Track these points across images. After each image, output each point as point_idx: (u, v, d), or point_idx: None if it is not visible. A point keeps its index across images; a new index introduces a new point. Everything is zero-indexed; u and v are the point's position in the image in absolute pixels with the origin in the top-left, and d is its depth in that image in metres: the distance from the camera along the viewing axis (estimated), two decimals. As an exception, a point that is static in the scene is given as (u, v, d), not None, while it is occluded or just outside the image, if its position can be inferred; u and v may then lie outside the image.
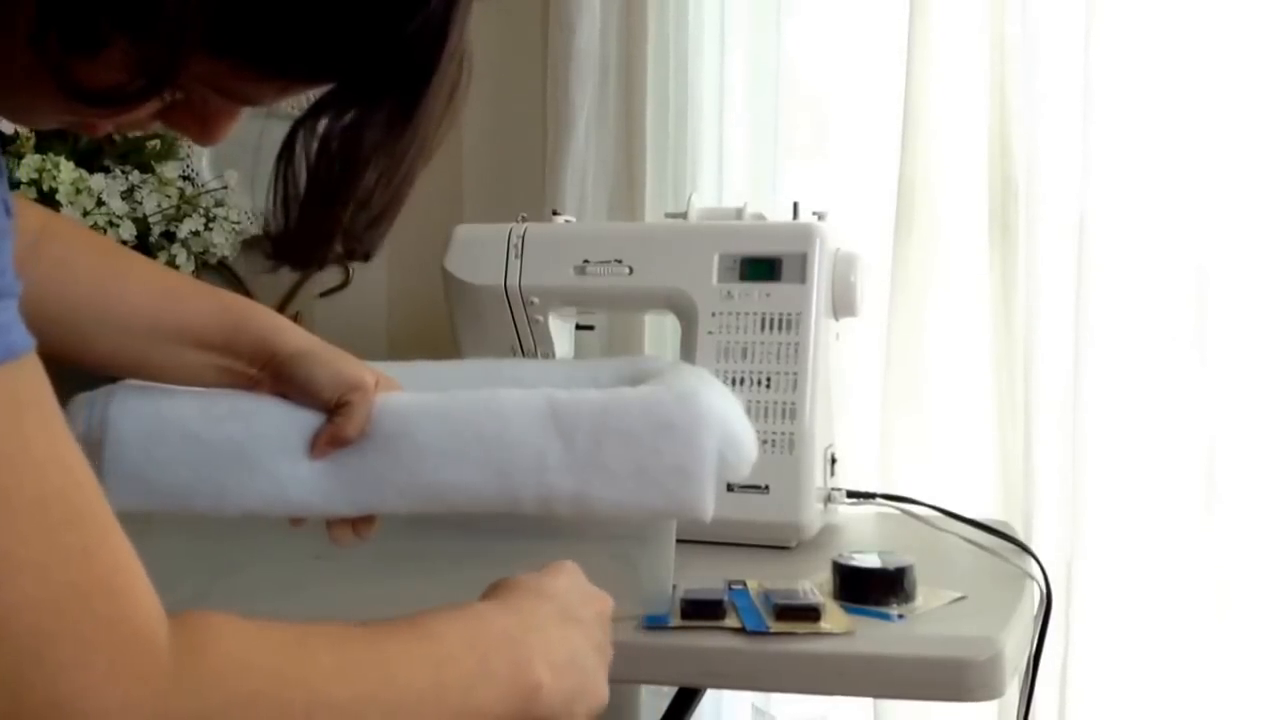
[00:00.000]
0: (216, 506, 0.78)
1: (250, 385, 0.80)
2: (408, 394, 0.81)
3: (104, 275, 0.78)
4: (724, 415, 0.80)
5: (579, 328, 1.27)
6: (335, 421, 0.77)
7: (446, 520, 0.82)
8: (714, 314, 1.11)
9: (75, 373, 0.81)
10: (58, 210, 1.43)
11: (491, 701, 0.56)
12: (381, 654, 0.52)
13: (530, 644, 0.60)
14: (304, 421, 0.78)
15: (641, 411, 0.79)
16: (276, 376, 0.79)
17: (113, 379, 0.82)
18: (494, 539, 0.84)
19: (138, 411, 0.78)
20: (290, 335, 0.80)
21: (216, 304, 0.80)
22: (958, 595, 0.91)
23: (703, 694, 1.14)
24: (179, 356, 0.79)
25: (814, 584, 0.91)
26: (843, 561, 0.91)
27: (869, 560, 0.91)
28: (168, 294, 0.79)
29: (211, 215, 1.61)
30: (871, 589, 0.88)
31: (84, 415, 0.79)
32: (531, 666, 0.59)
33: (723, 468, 0.79)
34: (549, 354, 1.20)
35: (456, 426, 0.78)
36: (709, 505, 0.79)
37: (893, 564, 0.90)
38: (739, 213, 1.19)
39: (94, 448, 0.78)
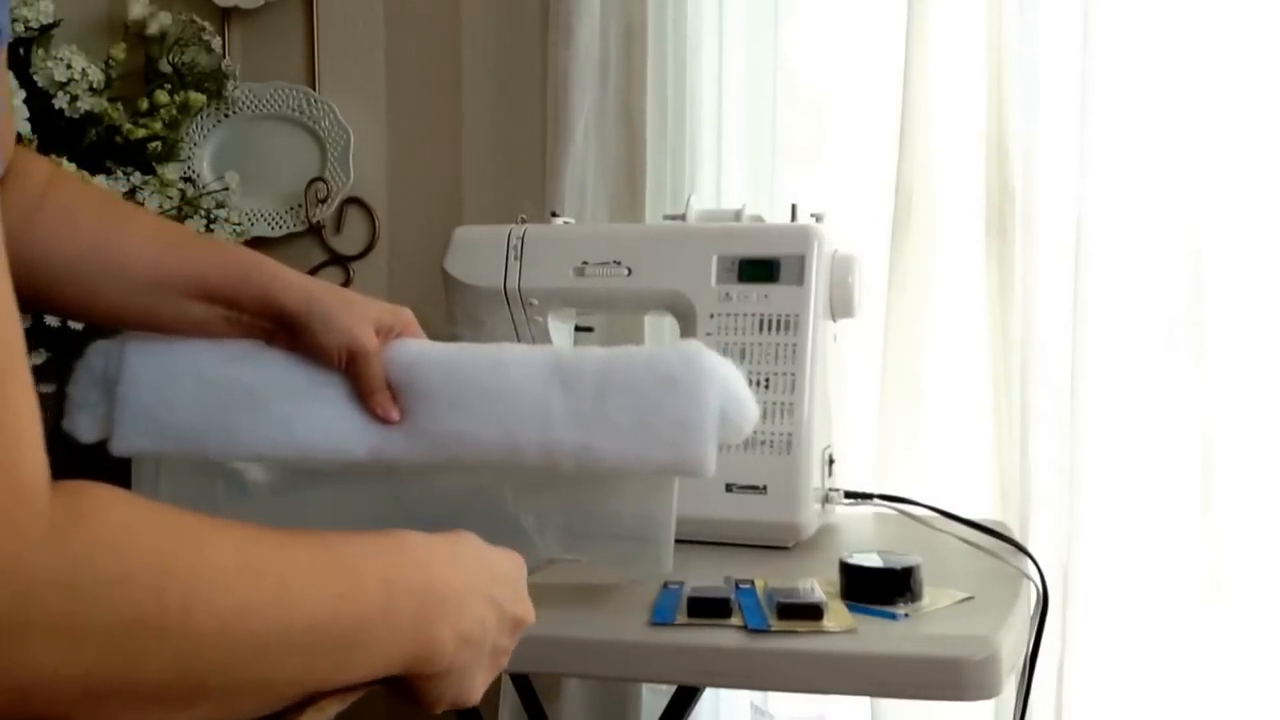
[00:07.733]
0: (227, 448, 0.79)
1: (263, 337, 0.81)
2: (416, 343, 0.82)
3: (105, 224, 0.77)
4: (726, 374, 0.81)
5: (578, 329, 1.27)
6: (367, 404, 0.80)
7: (452, 507, 0.82)
8: (712, 315, 1.12)
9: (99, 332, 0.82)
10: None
11: (385, 646, 0.53)
12: (285, 565, 0.48)
13: (448, 603, 0.56)
14: (312, 364, 0.80)
15: (645, 365, 0.79)
16: (285, 331, 0.80)
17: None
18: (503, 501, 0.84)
19: (151, 353, 0.80)
20: (291, 291, 0.79)
21: (218, 257, 0.80)
22: (965, 595, 0.91)
23: (702, 693, 1.15)
24: (186, 310, 0.78)
25: (819, 583, 0.91)
26: (850, 561, 0.91)
27: (875, 560, 0.91)
28: (169, 246, 0.79)
29: (213, 216, 1.61)
30: (878, 589, 0.88)
31: (101, 358, 0.81)
32: (438, 626, 0.55)
33: (725, 425, 0.79)
34: (548, 355, 1.20)
35: (460, 376, 0.79)
36: (711, 461, 0.79)
37: (899, 564, 0.89)
38: (737, 214, 1.20)
39: (109, 388, 0.79)
